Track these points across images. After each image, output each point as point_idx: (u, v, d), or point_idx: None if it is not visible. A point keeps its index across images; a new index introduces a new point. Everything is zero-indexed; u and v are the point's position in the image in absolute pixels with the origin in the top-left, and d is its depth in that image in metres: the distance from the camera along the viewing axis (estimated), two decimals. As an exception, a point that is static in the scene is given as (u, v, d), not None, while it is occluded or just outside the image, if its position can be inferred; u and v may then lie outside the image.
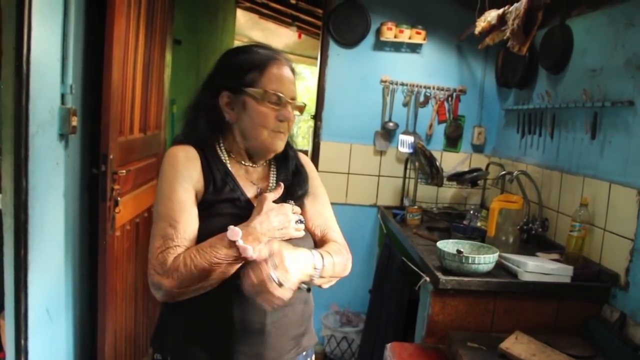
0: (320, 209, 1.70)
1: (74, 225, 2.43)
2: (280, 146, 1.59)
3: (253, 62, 1.54)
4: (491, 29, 3.19)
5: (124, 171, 2.56)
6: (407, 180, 3.87)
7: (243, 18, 8.67)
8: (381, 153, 3.91)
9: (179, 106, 4.77)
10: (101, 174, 2.42)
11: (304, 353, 1.66)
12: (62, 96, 2.19)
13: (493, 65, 3.85)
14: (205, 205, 1.48)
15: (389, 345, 2.38)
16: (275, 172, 1.67)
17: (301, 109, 1.62)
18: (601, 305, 2.37)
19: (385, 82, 3.82)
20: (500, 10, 3.04)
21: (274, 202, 1.49)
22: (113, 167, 2.47)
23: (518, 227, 2.85)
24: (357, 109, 3.84)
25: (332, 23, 3.75)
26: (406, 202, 3.74)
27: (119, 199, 2.54)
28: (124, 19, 2.47)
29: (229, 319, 1.46)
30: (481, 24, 3.22)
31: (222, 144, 1.60)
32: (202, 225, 1.46)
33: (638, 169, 2.27)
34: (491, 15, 3.13)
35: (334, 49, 3.80)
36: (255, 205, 1.50)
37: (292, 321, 1.56)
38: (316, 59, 4.22)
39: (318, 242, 1.66)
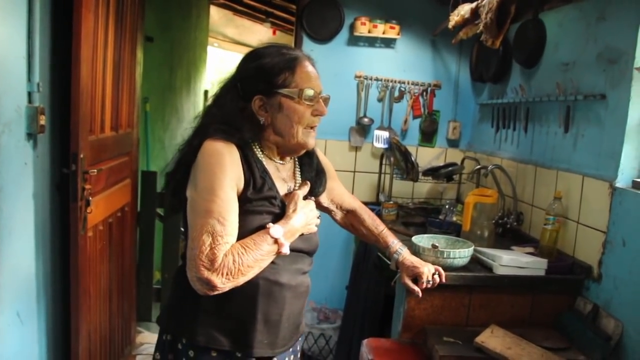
0: (341, 185, 2.06)
1: (44, 226, 2.39)
2: (313, 142, 1.66)
3: (282, 63, 1.58)
4: (465, 23, 3.20)
5: (95, 170, 2.52)
6: (382, 175, 3.87)
7: (217, 15, 8.60)
8: (356, 149, 3.91)
9: (153, 104, 4.73)
10: (71, 173, 2.38)
11: (300, 339, 1.79)
12: (29, 94, 2.14)
13: (467, 59, 3.86)
14: (244, 203, 1.52)
15: (365, 341, 2.38)
16: (299, 170, 1.75)
17: (327, 102, 1.69)
18: (575, 298, 2.39)
19: (359, 77, 3.81)
20: (474, 4, 3.04)
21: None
22: (84, 166, 2.42)
23: (493, 221, 2.86)
24: (332, 105, 3.71)
25: (306, 18, 3.73)
26: (382, 198, 3.73)
27: (90, 198, 2.50)
28: (92, 15, 2.42)
29: (252, 312, 1.56)
30: (455, 18, 3.22)
31: (255, 143, 1.63)
32: (243, 221, 1.50)
33: (610, 162, 2.29)
34: (464, 9, 3.13)
35: (307, 45, 3.78)
36: (285, 202, 1.61)
37: (299, 310, 1.70)
38: (291, 55, 4.19)
39: (352, 210, 2.08)
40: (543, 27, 2.87)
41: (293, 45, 3.90)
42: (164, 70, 5.25)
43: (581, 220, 2.46)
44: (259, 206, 1.55)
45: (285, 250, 1.51)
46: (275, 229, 1.49)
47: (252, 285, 1.52)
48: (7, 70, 1.97)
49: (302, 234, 1.62)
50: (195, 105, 6.98)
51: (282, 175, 1.67)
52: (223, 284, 1.41)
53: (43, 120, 2.19)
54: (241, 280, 1.44)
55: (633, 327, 2.07)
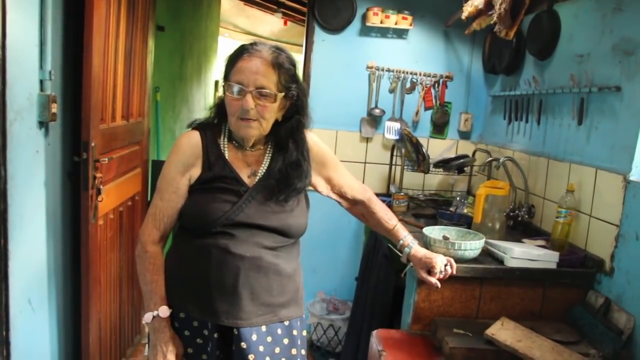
0: (347, 175, 2.02)
1: (55, 214, 2.39)
2: (247, 133, 1.72)
3: (232, 56, 1.72)
4: (478, 14, 3.18)
5: (106, 159, 2.53)
6: (393, 167, 3.86)
7: (228, 5, 8.58)
8: (367, 140, 3.89)
9: (163, 94, 4.73)
10: (83, 161, 2.39)
11: (286, 323, 1.80)
12: (41, 82, 2.14)
13: (480, 51, 3.83)
14: (201, 182, 1.74)
15: (375, 332, 2.37)
16: (269, 158, 1.81)
17: (269, 97, 1.67)
18: (586, 291, 2.37)
19: (371, 68, 3.79)
20: (487, -5, 3.02)
21: None
22: (95, 154, 2.43)
23: (504, 213, 2.84)
24: (343, 96, 3.81)
25: (318, 8, 3.70)
26: (392, 189, 3.72)
27: (101, 187, 2.50)
28: (104, 3, 2.42)
29: (207, 278, 1.71)
30: (468, 8, 3.20)
31: (226, 130, 1.81)
32: (197, 197, 1.74)
33: (624, 155, 2.26)
34: (478, 0, 3.10)
35: (319, 35, 3.76)
36: (246, 189, 1.74)
37: (264, 288, 1.74)
38: (302, 46, 4.17)
39: (360, 202, 2.04)
40: (557, 18, 2.84)
41: (305, 34, 3.89)
42: (174, 60, 5.24)
43: (594, 214, 2.44)
44: (213, 183, 1.73)
45: (145, 319, 1.72)
46: (163, 310, 1.71)
47: (205, 253, 1.70)
48: (20, 58, 1.97)
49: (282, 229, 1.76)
50: (205, 95, 6.98)
51: (248, 160, 1.79)
52: (136, 252, 1.77)
53: (55, 108, 2.20)
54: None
55: (645, 322, 2.06)
